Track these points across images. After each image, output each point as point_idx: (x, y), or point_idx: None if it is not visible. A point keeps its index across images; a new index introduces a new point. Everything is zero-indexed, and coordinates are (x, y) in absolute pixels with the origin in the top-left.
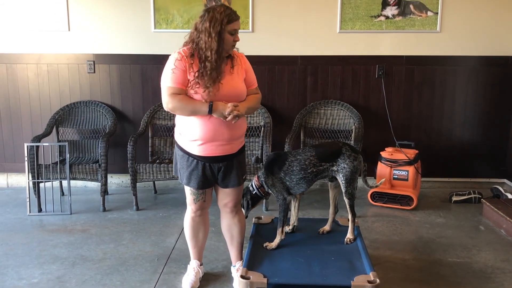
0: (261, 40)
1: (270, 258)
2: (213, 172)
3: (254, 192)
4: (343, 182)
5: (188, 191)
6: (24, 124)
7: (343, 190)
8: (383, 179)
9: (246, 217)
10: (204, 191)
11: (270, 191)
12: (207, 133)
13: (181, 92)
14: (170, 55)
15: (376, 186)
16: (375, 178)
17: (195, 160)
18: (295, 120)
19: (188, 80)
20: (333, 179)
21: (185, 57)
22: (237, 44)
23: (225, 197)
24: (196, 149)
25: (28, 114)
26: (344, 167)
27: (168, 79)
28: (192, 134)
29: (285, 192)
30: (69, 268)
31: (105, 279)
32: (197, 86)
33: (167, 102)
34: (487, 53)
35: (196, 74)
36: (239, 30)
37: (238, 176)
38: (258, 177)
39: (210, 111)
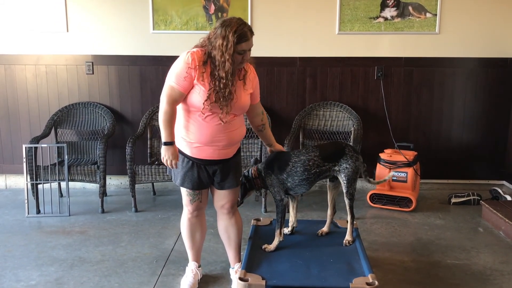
0: (260, 41)
1: (269, 260)
2: (208, 174)
3: (249, 178)
4: (345, 182)
5: (184, 192)
6: (22, 125)
7: (344, 191)
8: (391, 173)
9: (241, 203)
10: (200, 191)
11: (269, 190)
12: (206, 137)
13: (180, 96)
14: (168, 56)
15: (379, 183)
16: (374, 179)
17: (191, 162)
18: (294, 121)
19: (193, 85)
20: (334, 179)
21: (197, 66)
22: None
23: (221, 198)
24: (193, 151)
25: (27, 115)
26: (346, 167)
27: (173, 79)
28: (190, 136)
29: (282, 193)
30: (67, 270)
31: (103, 281)
32: (213, 104)
33: (163, 101)
34: (486, 54)
35: (210, 92)
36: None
37: (235, 177)
38: (258, 169)
39: (164, 144)
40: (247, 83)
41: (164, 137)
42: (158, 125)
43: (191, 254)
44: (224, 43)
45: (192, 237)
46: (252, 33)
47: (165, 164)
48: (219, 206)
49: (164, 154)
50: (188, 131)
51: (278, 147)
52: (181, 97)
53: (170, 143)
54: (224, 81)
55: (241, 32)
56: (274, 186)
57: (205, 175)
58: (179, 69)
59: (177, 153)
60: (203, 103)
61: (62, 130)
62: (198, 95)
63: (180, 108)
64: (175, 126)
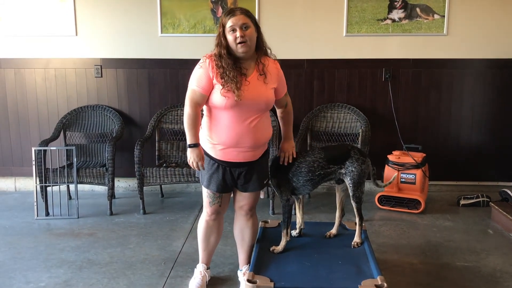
0: (267, 43)
1: (277, 262)
2: (233, 177)
3: None
4: (351, 185)
5: (205, 193)
6: (32, 128)
7: (351, 194)
8: (395, 174)
9: None
10: (221, 195)
11: (274, 189)
12: (230, 139)
13: (202, 99)
14: (176, 59)
15: (386, 186)
16: (382, 181)
17: (216, 164)
18: (302, 123)
19: (213, 85)
20: (340, 181)
21: (214, 66)
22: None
23: (242, 199)
24: (218, 153)
25: (36, 118)
26: (352, 171)
27: (194, 82)
28: (214, 138)
29: (289, 193)
30: (76, 272)
31: (112, 282)
32: (226, 90)
33: (186, 105)
34: (494, 55)
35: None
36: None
37: (259, 181)
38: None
39: (189, 147)
40: (267, 76)
41: (188, 140)
42: (166, 128)
43: (203, 255)
44: (220, 29)
45: (206, 240)
46: (243, 11)
47: (192, 167)
48: (238, 206)
49: (189, 156)
50: (212, 132)
51: (285, 145)
52: (203, 99)
53: (195, 145)
54: (218, 63)
55: (228, 10)
56: (280, 185)
57: (229, 177)
58: (198, 72)
59: (203, 155)
60: (220, 91)
61: (71, 133)
62: (219, 93)
63: (205, 110)
64: (201, 129)
